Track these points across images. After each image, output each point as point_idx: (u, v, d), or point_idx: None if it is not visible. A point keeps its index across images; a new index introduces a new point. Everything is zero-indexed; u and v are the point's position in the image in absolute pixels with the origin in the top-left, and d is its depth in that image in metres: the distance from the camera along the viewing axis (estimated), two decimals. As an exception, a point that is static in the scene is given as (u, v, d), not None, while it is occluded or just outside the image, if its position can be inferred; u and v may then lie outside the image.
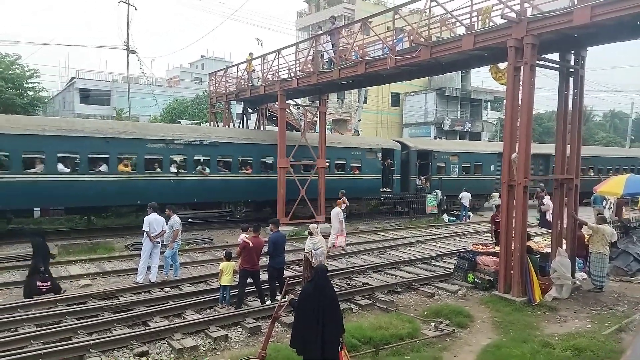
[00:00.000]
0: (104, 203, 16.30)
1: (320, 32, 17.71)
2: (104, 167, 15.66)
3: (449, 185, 23.29)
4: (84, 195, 15.18)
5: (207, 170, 17.53)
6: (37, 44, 45.81)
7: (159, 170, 16.65)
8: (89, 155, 15.33)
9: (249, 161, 18.74)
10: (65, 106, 43.59)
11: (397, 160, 22.58)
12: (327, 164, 19.32)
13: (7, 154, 14.23)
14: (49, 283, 9.61)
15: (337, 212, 14.49)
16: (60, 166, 14.92)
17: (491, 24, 10.69)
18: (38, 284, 9.47)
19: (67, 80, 44.24)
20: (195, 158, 17.42)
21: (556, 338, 7.80)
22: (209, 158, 17.71)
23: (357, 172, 21.47)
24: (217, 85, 23.31)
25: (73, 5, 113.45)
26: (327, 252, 13.22)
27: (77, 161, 15.28)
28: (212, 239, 16.12)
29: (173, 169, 16.90)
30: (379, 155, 22.12)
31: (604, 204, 18.42)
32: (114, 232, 16.95)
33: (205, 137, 17.68)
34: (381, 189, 22.18)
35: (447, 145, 26.39)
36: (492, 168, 25.10)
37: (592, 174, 27.96)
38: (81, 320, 8.12)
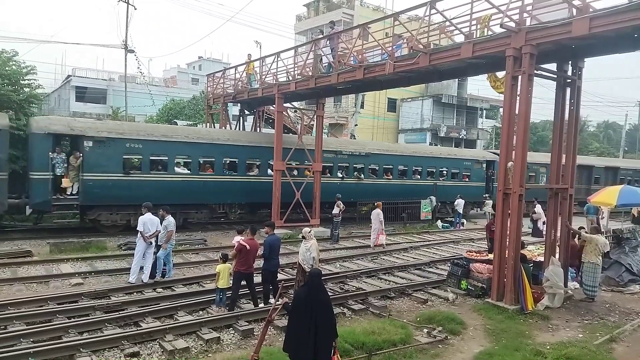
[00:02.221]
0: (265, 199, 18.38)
1: (320, 36, 17.73)
2: (255, 171, 19.15)
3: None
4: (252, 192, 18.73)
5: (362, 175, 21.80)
6: (35, 41, 45.65)
7: (329, 174, 20.70)
8: (246, 162, 18.95)
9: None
10: (60, 104, 43.35)
11: (495, 170, 25.07)
12: (444, 171, 24.73)
13: (189, 159, 17.43)
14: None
15: (377, 213, 16.06)
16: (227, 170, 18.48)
17: (490, 32, 10.77)
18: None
19: (64, 78, 44.04)
20: (354, 166, 21.62)
21: (548, 347, 7.81)
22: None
23: (467, 179, 25.67)
24: (214, 86, 23.28)
25: (73, 3, 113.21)
26: (374, 248, 15.53)
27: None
28: (205, 240, 16.05)
29: (339, 174, 21.17)
30: (484, 165, 26.22)
31: (598, 214, 18.54)
32: (106, 231, 16.83)
33: (361, 149, 22.20)
34: (484, 195, 24.83)
35: (537, 157, 27.22)
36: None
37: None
38: (72, 320, 8.04)
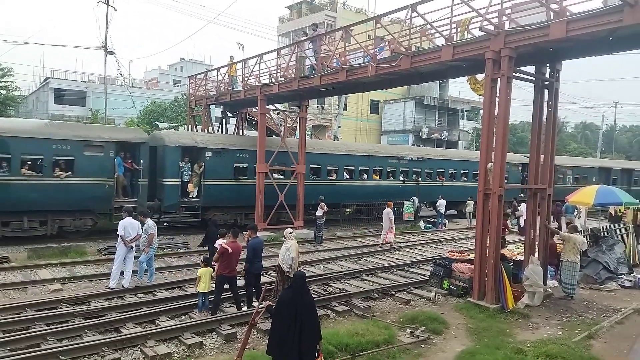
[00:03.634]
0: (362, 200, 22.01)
1: (303, 38, 17.74)
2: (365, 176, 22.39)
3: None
4: (354, 194, 21.85)
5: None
6: (12, 42, 44.67)
7: (392, 178, 23.50)
8: (360, 168, 22.30)
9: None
10: (39, 106, 42.54)
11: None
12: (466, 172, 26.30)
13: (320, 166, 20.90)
14: None
15: (387, 212, 16.74)
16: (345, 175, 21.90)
17: (470, 36, 10.91)
18: None
19: (42, 80, 43.22)
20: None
21: (528, 345, 7.94)
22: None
23: (505, 180, 25.86)
24: (196, 88, 23.10)
25: (51, 4, 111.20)
26: (382, 246, 16.41)
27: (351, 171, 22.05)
28: (188, 244, 15.89)
29: (401, 178, 23.67)
30: (520, 167, 27.66)
31: (575, 213, 18.93)
32: (85, 236, 16.55)
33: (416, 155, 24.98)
34: (520, 195, 25.05)
35: (565, 160, 31.67)
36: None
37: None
38: (51, 326, 7.88)
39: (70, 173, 15.14)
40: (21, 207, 14.53)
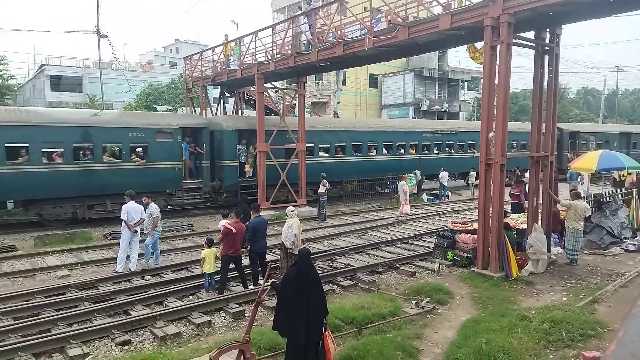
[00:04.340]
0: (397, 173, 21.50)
1: (298, 12, 17.43)
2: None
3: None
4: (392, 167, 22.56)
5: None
6: (4, 30, 44.05)
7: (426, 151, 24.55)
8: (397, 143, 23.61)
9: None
10: (35, 94, 42.21)
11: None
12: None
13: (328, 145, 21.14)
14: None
15: (401, 185, 17.50)
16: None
17: (468, 3, 10.68)
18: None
19: (37, 67, 42.79)
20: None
21: (533, 311, 8.01)
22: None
23: None
24: (192, 69, 22.83)
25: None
26: (398, 218, 16.82)
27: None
28: (192, 226, 15.99)
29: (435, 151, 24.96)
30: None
31: (579, 179, 18.87)
32: (90, 222, 16.66)
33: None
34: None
35: (587, 127, 33.96)
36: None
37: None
38: (60, 312, 8.00)
39: (144, 160, 16.42)
40: (105, 190, 15.83)
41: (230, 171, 18.46)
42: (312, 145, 20.27)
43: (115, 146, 16.62)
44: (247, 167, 18.98)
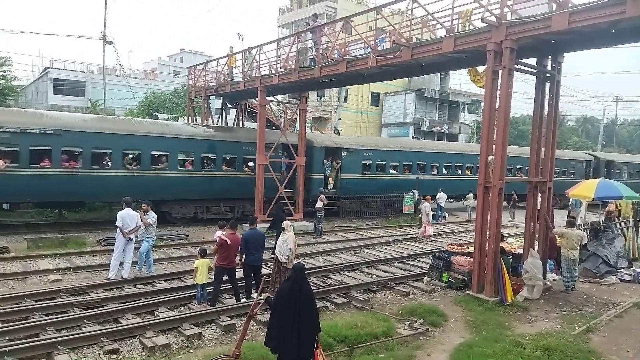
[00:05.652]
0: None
1: (305, 28, 17.63)
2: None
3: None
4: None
5: None
6: (10, 31, 44.37)
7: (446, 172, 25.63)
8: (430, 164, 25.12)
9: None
10: (38, 96, 42.34)
11: (591, 167, 32.45)
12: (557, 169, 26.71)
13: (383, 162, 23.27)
14: None
15: (425, 206, 17.77)
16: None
17: (471, 27, 10.82)
18: None
19: (41, 70, 42.99)
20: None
21: (527, 338, 7.94)
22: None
23: (572, 176, 30.34)
24: (196, 79, 22.96)
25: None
26: (421, 240, 17.09)
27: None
28: (187, 235, 15.90)
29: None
30: (584, 164, 32.13)
31: (580, 207, 18.83)
32: (85, 226, 16.58)
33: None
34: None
35: (622, 157, 36.84)
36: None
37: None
38: (50, 317, 7.89)
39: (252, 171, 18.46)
40: (221, 195, 18.47)
41: (317, 183, 20.61)
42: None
43: (230, 157, 18.83)
44: (331, 180, 21.21)
